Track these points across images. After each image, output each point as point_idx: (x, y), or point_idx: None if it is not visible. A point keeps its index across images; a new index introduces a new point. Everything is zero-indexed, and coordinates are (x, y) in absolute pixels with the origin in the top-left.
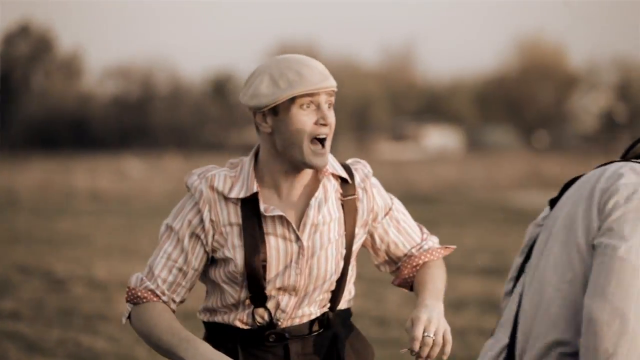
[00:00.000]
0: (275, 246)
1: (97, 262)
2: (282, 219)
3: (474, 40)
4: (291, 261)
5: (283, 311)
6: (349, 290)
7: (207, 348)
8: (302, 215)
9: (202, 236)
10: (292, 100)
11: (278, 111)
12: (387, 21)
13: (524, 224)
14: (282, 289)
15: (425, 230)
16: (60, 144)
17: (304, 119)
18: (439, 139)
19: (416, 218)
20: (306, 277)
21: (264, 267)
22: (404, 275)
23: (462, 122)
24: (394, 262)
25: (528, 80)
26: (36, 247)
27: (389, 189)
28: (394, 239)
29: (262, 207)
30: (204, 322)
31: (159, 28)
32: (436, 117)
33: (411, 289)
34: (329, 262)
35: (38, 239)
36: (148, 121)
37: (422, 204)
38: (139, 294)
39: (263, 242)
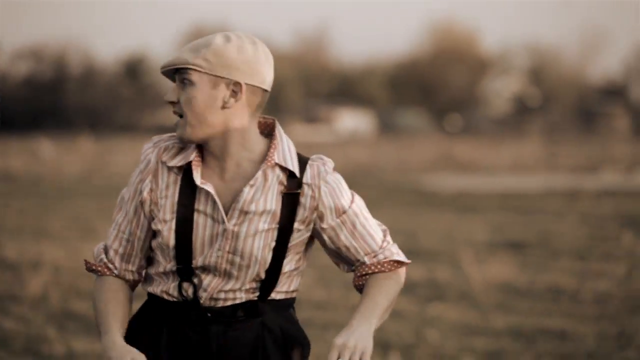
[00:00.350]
0: (203, 224)
1: (7, 242)
2: (213, 199)
3: (387, 23)
4: (214, 242)
5: (205, 290)
6: (289, 283)
7: (117, 343)
8: (235, 199)
9: (143, 205)
10: None
11: None
12: (300, 3)
13: (437, 207)
14: (205, 268)
15: (388, 238)
16: None
17: None
18: (352, 121)
19: None
20: (227, 261)
21: (190, 243)
22: (354, 283)
23: (375, 105)
24: (349, 264)
25: (440, 64)
26: None
27: None
28: (345, 243)
29: (196, 178)
30: (147, 290)
31: (72, 9)
32: (349, 100)
33: None
34: (254, 252)
35: None
36: (61, 102)
37: None
38: (94, 267)
39: (192, 218)
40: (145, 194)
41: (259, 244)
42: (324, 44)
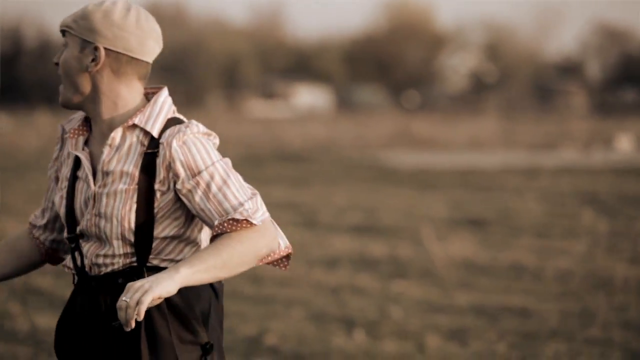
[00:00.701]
0: (81, 190)
1: None
2: (87, 164)
3: None
4: (87, 206)
5: (86, 257)
6: (175, 251)
7: None
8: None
9: (51, 172)
10: None
11: None
12: None
13: (395, 183)
14: (83, 234)
15: (250, 203)
16: None
17: None
18: (309, 97)
19: (287, 177)
20: (95, 224)
21: (73, 210)
22: None
23: (331, 81)
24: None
25: (396, 40)
26: None
27: (258, 146)
28: (201, 205)
29: (71, 145)
30: None
31: None
32: (305, 76)
33: None
34: (114, 212)
35: None
36: (17, 76)
37: (293, 163)
38: None
39: (74, 184)
40: (51, 161)
41: (119, 204)
42: (279, 18)
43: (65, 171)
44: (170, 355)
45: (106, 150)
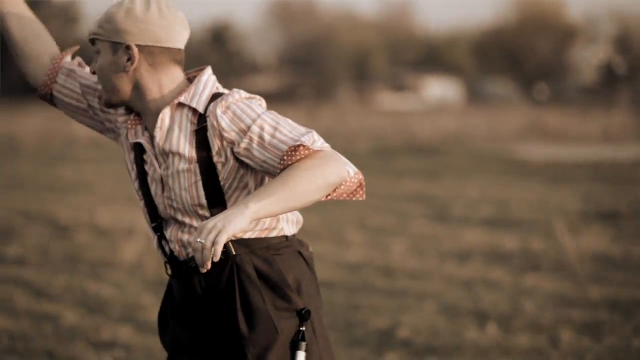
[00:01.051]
0: (151, 176)
1: (100, 209)
2: (142, 147)
3: None
4: (160, 190)
5: (171, 241)
6: (256, 220)
7: None
8: None
9: (109, 124)
10: None
11: None
12: None
13: (527, 176)
14: (163, 220)
15: (307, 137)
16: None
17: None
18: (439, 89)
19: (418, 169)
20: (168, 206)
21: (151, 198)
22: None
23: (461, 73)
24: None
25: (526, 32)
26: (39, 194)
27: (389, 139)
28: (261, 157)
29: (130, 136)
30: None
31: None
32: (435, 68)
33: None
34: (181, 192)
35: (40, 186)
36: None
37: (424, 156)
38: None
39: (144, 175)
40: (117, 131)
41: (184, 183)
42: (409, 11)
43: (130, 160)
44: (269, 324)
45: (158, 133)
